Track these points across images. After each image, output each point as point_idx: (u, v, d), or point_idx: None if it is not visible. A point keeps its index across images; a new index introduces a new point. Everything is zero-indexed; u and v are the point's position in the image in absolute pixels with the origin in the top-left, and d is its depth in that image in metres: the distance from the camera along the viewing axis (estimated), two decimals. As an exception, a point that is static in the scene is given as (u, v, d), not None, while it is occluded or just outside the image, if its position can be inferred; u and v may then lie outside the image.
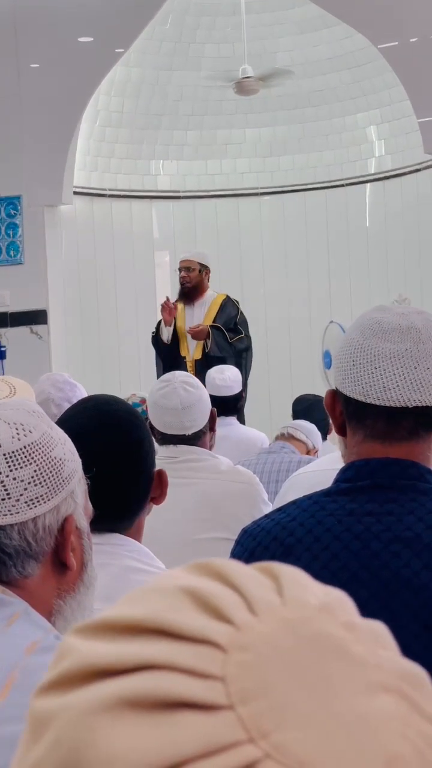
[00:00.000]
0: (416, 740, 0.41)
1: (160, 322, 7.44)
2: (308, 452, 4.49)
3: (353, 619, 0.44)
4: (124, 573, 1.73)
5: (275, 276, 9.49)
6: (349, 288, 9.30)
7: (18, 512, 1.27)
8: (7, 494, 1.27)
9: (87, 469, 1.39)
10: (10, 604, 1.26)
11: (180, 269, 7.50)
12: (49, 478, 1.29)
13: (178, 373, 3.24)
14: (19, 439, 1.29)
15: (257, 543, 1.58)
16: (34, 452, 1.29)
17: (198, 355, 7.28)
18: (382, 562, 1.49)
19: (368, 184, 9.31)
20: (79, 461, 1.36)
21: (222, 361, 6.74)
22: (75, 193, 8.75)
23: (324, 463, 2.92)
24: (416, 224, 9.00)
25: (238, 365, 6.47)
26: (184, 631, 0.40)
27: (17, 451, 1.28)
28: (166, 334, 7.34)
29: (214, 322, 7.32)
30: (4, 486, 1.27)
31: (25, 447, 1.29)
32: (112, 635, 0.41)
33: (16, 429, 1.29)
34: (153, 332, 7.51)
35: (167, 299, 7.40)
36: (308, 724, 0.39)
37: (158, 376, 7.36)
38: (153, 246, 9.45)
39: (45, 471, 1.29)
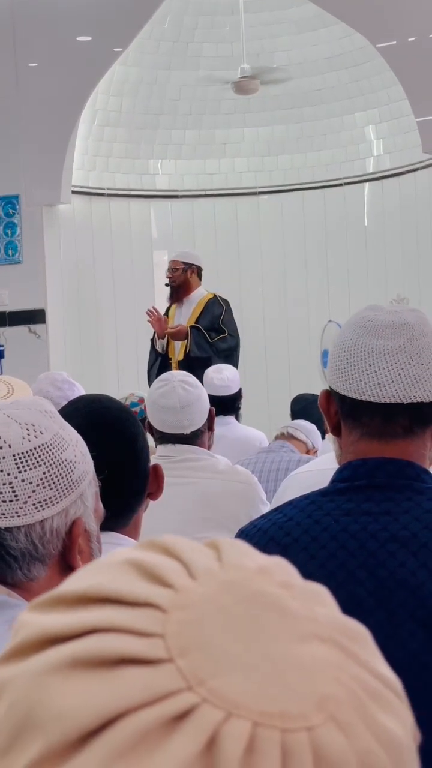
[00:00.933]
0: (349, 683, 0.44)
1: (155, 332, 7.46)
2: (308, 452, 4.49)
3: (291, 579, 0.47)
4: None
5: (273, 275, 9.49)
6: (347, 287, 9.30)
7: (25, 514, 1.25)
8: (15, 496, 1.25)
9: None
10: (15, 607, 1.24)
11: (167, 269, 7.55)
12: (58, 480, 1.27)
13: (176, 372, 3.25)
14: (29, 440, 1.26)
15: (254, 543, 1.57)
16: (44, 454, 1.26)
17: (181, 356, 7.29)
18: (378, 561, 1.50)
19: (366, 184, 9.32)
20: (90, 463, 1.33)
21: (205, 361, 6.76)
22: (73, 192, 8.75)
23: (322, 462, 2.92)
24: (414, 223, 9.00)
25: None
26: (128, 597, 0.44)
27: (27, 452, 1.25)
28: (160, 345, 7.38)
29: (197, 321, 7.33)
30: (12, 487, 1.25)
31: (35, 448, 1.26)
32: (63, 607, 0.45)
33: (27, 430, 1.26)
34: (151, 339, 7.53)
35: (152, 310, 7.38)
36: (243, 670, 0.42)
37: (148, 375, 7.39)
38: (151, 245, 9.45)
39: (54, 473, 1.26)
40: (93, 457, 1.39)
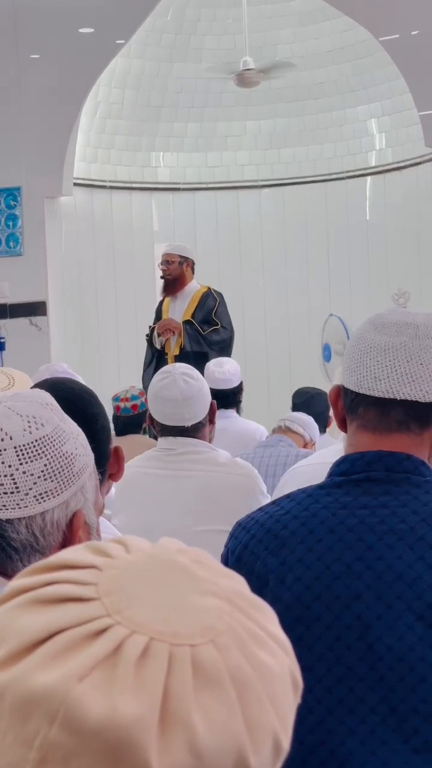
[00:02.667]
0: (232, 623, 0.60)
1: (153, 330, 7.43)
2: (305, 445, 4.49)
3: (205, 561, 0.64)
4: None
5: (275, 269, 9.49)
6: (348, 281, 9.31)
7: (26, 506, 1.26)
8: (16, 488, 1.26)
9: None
10: None
11: (161, 262, 7.52)
12: (59, 472, 1.27)
13: (178, 364, 3.25)
14: (30, 433, 1.27)
15: (251, 536, 1.59)
16: (45, 446, 1.27)
17: (177, 351, 7.29)
18: (376, 554, 1.51)
19: (368, 177, 9.31)
20: (91, 455, 1.34)
21: (202, 356, 6.74)
22: (75, 184, 8.75)
23: (323, 456, 2.92)
24: (416, 217, 9.00)
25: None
26: (79, 563, 0.63)
27: (28, 444, 1.26)
28: (159, 342, 7.37)
29: (192, 315, 7.33)
30: (13, 479, 1.25)
31: (36, 441, 1.27)
32: (38, 572, 0.64)
33: (28, 422, 1.27)
34: (147, 335, 7.52)
35: (164, 329, 7.35)
36: (149, 606, 0.60)
37: (144, 373, 7.38)
38: (152, 238, 9.45)
39: (55, 465, 1.27)
40: None
